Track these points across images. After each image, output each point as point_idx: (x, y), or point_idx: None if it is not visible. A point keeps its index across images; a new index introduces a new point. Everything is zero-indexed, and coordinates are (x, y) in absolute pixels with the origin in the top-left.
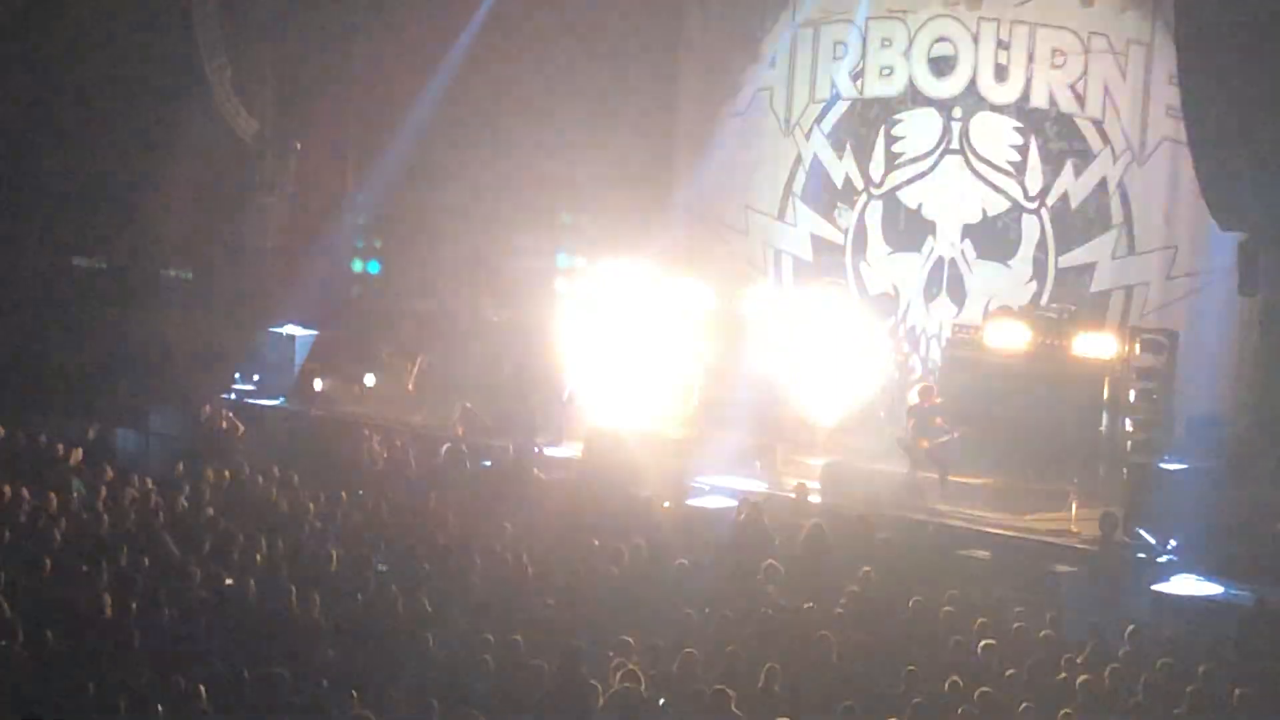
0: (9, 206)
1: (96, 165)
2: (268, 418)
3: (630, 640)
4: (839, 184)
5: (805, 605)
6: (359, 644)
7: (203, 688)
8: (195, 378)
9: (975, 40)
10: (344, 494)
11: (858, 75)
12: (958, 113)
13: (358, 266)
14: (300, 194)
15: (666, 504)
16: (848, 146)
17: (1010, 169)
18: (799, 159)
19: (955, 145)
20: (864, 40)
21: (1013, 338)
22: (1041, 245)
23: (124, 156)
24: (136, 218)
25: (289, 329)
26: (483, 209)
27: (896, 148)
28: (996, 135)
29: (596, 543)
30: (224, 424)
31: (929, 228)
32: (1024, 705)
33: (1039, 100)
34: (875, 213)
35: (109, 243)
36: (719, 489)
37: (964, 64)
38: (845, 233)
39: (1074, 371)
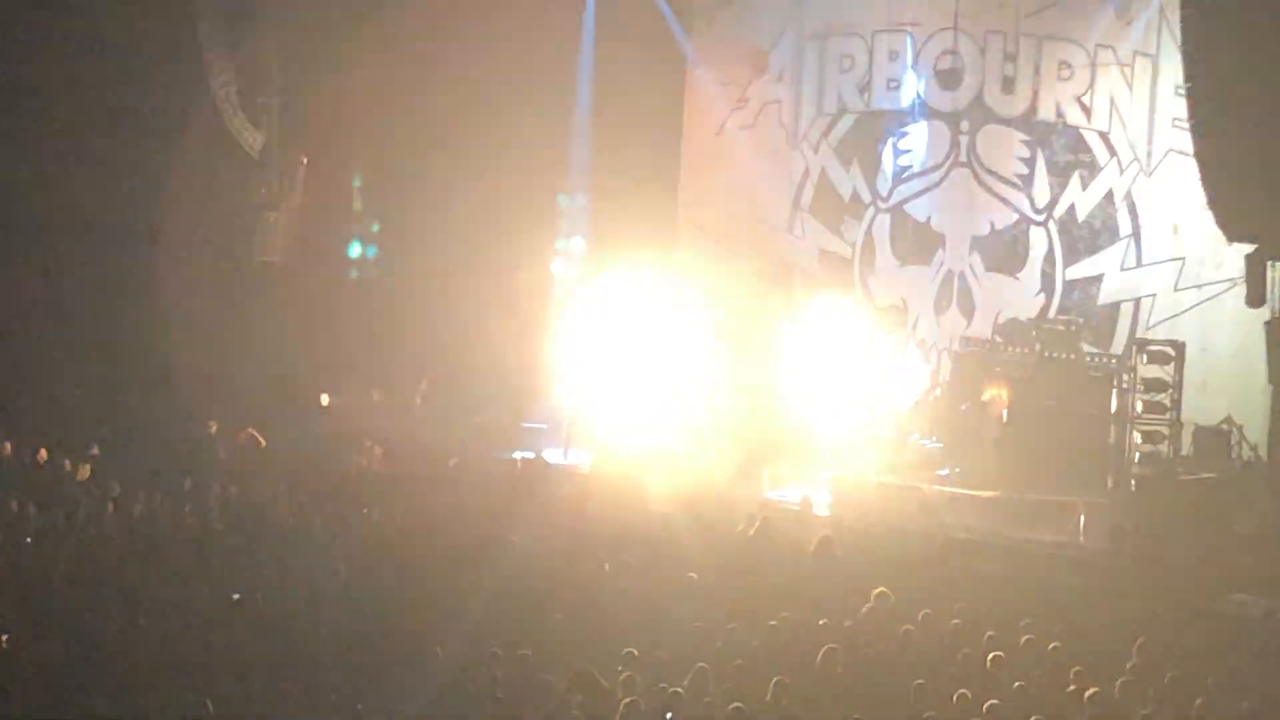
0: (13, 223)
1: (102, 181)
2: (275, 433)
3: (639, 654)
4: (846, 197)
5: (820, 621)
6: (366, 658)
7: (209, 703)
8: (202, 392)
9: (982, 53)
10: (350, 508)
11: (864, 88)
12: (965, 125)
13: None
14: (307, 208)
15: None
16: (855, 160)
17: (1018, 181)
18: (806, 172)
19: (963, 158)
20: (871, 53)
21: (1021, 350)
22: (1049, 257)
23: (130, 172)
24: (142, 233)
25: None
26: (485, 222)
27: (904, 161)
28: (1004, 148)
29: (604, 556)
30: (244, 439)
31: (938, 240)
32: (1034, 718)
33: (1046, 113)
34: (883, 226)
35: (111, 257)
36: (727, 502)
37: (971, 77)
38: (853, 246)
39: (1082, 384)
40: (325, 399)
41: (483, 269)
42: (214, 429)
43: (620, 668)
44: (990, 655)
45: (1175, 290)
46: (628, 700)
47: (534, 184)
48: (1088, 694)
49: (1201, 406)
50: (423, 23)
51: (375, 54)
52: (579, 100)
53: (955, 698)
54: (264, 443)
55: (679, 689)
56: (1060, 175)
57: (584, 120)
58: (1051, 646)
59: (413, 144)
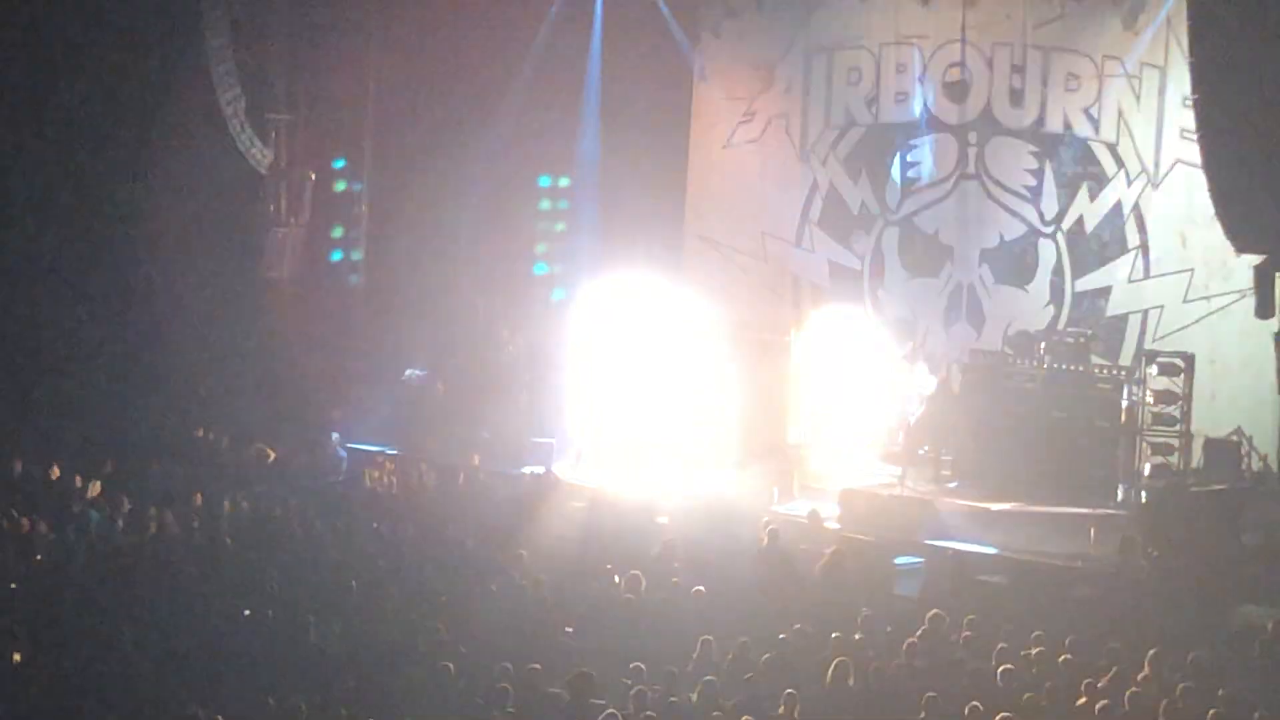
0: (21, 239)
1: (111, 197)
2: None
3: (648, 668)
4: (855, 210)
5: (833, 635)
6: (377, 673)
7: (221, 718)
8: (212, 408)
9: (989, 65)
10: (361, 523)
11: (872, 101)
12: (973, 138)
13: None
14: (315, 224)
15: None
16: (863, 173)
17: (1026, 193)
18: (815, 185)
19: (971, 170)
20: (878, 66)
21: (1030, 362)
22: (1058, 269)
23: (138, 188)
24: (151, 250)
25: None
26: (490, 234)
27: (912, 173)
28: (1012, 160)
29: (613, 569)
30: (254, 452)
31: (947, 253)
32: None
33: (1054, 124)
34: (892, 239)
35: (121, 274)
36: (735, 516)
37: (978, 89)
38: (862, 259)
39: (1091, 396)
40: (336, 414)
41: (488, 281)
42: (224, 443)
43: (629, 681)
44: (1001, 667)
45: (1184, 302)
46: (645, 715)
47: (537, 194)
48: (1098, 706)
49: (1211, 418)
50: (432, 40)
51: (384, 70)
52: (585, 111)
53: (966, 710)
54: (273, 455)
55: (690, 702)
56: (1068, 187)
57: (591, 131)
58: (1062, 659)
59: (420, 158)
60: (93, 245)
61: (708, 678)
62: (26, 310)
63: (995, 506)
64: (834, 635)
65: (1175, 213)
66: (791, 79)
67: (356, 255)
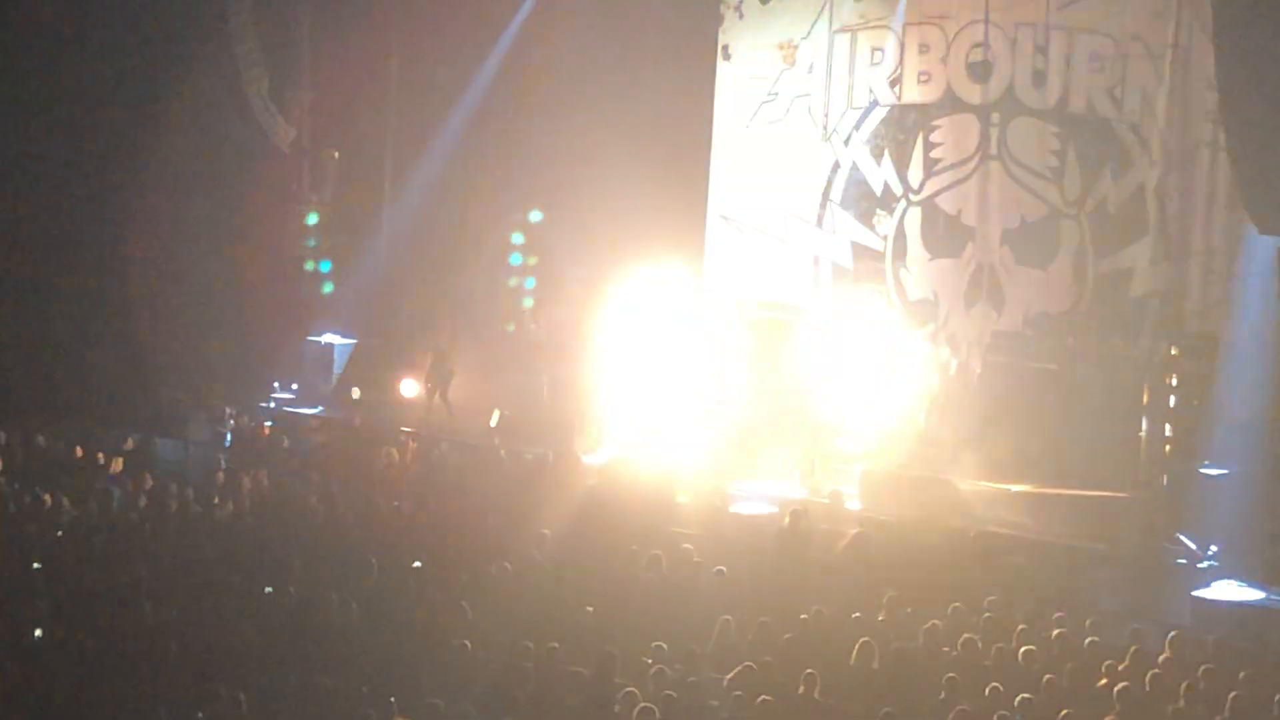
0: (46, 217)
1: (135, 174)
2: (306, 426)
3: (669, 647)
4: (878, 191)
5: (854, 615)
6: (398, 651)
7: (243, 695)
8: (234, 386)
9: (1013, 46)
10: (381, 501)
11: (895, 82)
12: (996, 118)
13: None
14: (337, 203)
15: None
16: (886, 153)
17: (1049, 174)
18: (837, 166)
19: (993, 151)
20: (901, 46)
21: (1051, 344)
22: (1080, 251)
23: (163, 166)
24: (174, 226)
25: (328, 337)
26: (507, 215)
27: (935, 154)
28: (1035, 141)
29: (635, 549)
30: (264, 433)
31: (968, 234)
32: (1065, 712)
33: (1077, 105)
34: (914, 219)
35: (146, 251)
36: (757, 496)
37: (1002, 70)
38: (885, 239)
39: (1113, 378)
40: (356, 392)
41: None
42: (244, 421)
43: (650, 660)
44: (1022, 649)
45: (1206, 284)
46: (665, 694)
47: (565, 185)
48: (1119, 687)
49: (1233, 399)
50: (454, 13)
51: (407, 47)
52: (605, 91)
53: (987, 691)
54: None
55: (711, 680)
56: (1091, 168)
57: (613, 112)
58: (1083, 640)
59: (443, 135)
60: (113, 222)
61: (746, 663)
62: (48, 290)
63: (1016, 488)
64: (855, 615)
65: (1197, 194)
66: (815, 59)
67: (372, 237)
